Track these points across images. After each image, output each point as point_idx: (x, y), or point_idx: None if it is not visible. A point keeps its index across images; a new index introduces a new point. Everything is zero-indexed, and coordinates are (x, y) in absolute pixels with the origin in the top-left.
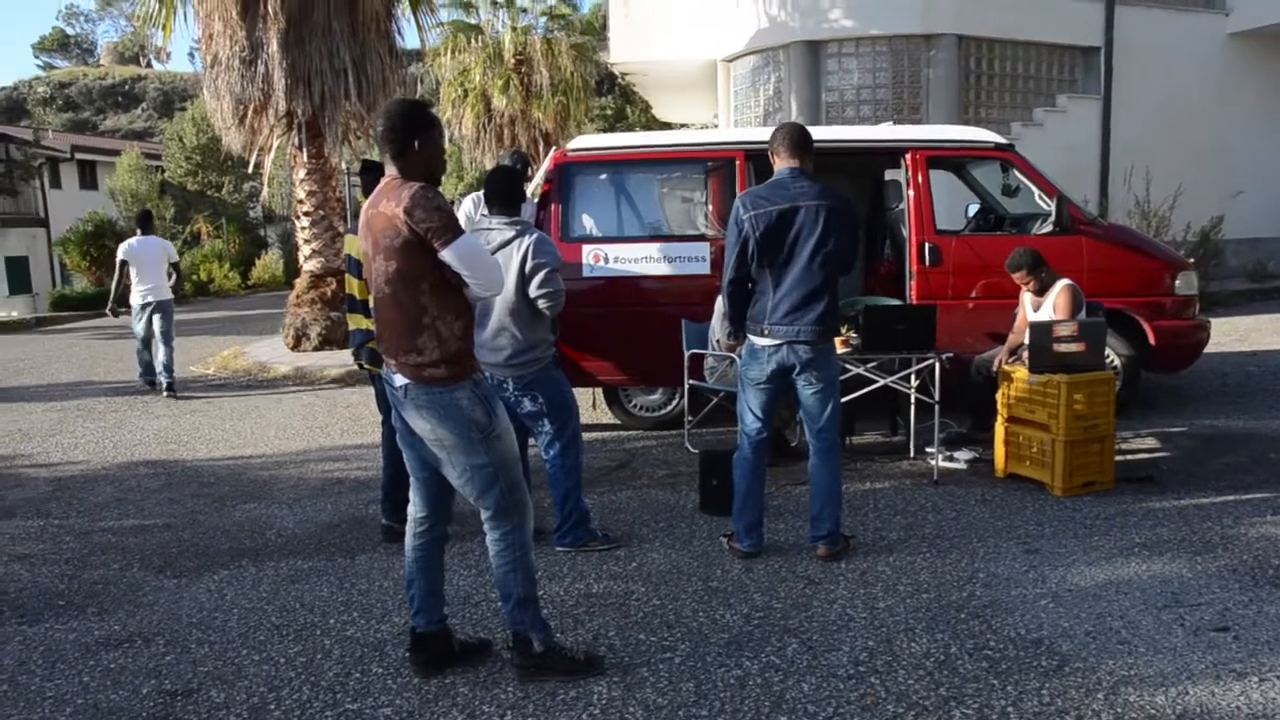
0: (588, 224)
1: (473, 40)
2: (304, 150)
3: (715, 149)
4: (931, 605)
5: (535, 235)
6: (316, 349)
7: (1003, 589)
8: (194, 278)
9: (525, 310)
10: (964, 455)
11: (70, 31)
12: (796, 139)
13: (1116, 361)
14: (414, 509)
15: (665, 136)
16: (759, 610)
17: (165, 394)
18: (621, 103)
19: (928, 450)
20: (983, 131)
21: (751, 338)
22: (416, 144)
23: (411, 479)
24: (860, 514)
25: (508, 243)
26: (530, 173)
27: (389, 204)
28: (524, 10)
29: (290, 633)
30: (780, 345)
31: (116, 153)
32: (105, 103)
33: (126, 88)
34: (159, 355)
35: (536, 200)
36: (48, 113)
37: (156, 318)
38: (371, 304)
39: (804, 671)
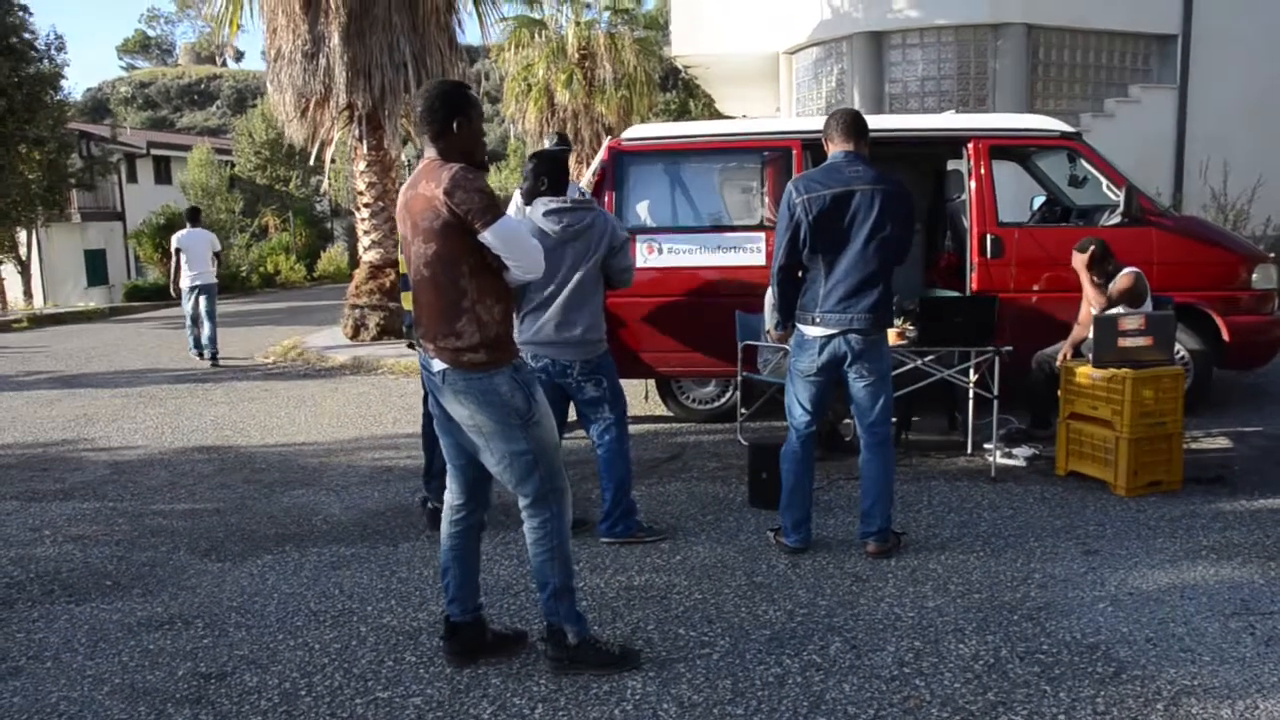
0: (642, 215)
1: (536, 35)
2: (364, 142)
3: (772, 138)
4: (983, 606)
5: (607, 213)
6: (375, 339)
7: (1059, 590)
8: (261, 270)
9: (597, 290)
10: (1023, 452)
11: (151, 33)
12: (851, 123)
13: (1187, 358)
14: (450, 496)
15: (721, 126)
16: (803, 607)
17: (210, 363)
18: (685, 97)
19: (985, 447)
20: (1048, 120)
21: (801, 327)
22: (455, 126)
23: (448, 466)
24: (913, 510)
25: (583, 221)
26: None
27: (428, 185)
28: (587, 5)
29: (328, 619)
30: (832, 335)
31: (190, 148)
32: (182, 101)
33: (202, 86)
34: (204, 330)
35: (590, 192)
36: (128, 111)
37: (203, 299)
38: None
39: (846, 671)
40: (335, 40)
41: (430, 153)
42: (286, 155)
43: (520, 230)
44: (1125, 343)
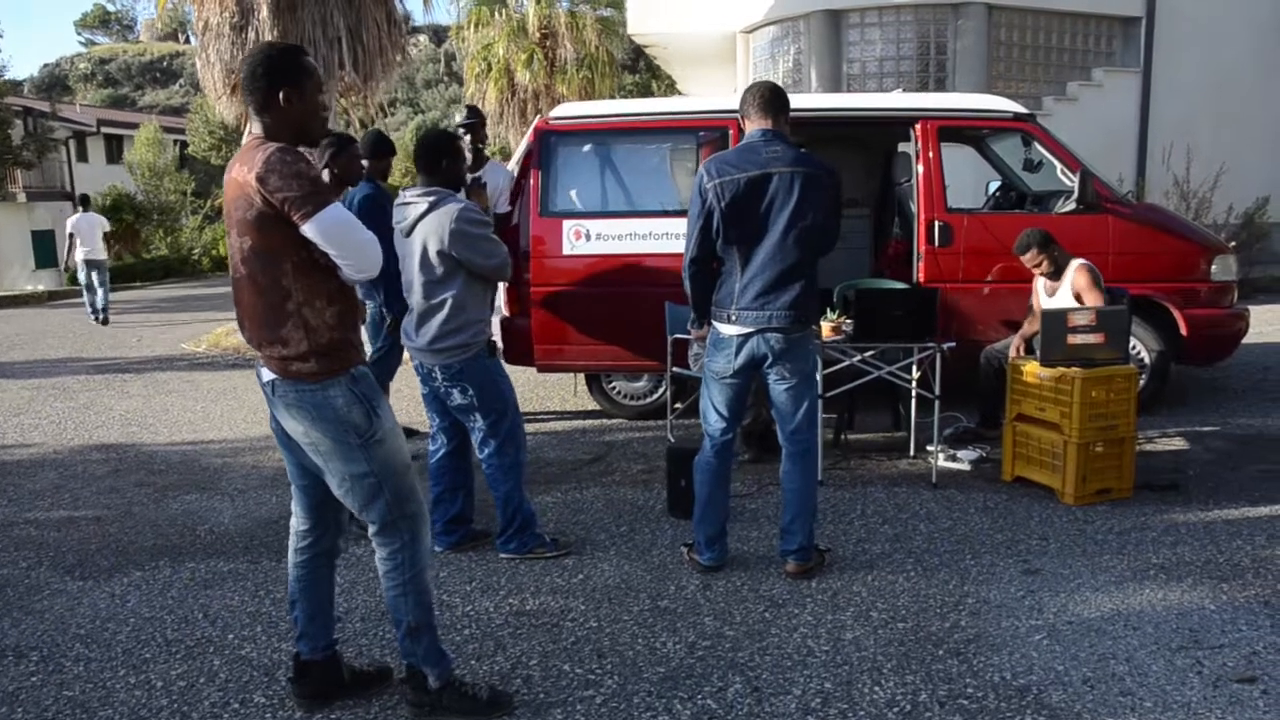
0: (570, 198)
1: (497, 13)
2: None
3: (707, 117)
4: (906, 637)
5: (458, 202)
6: None
7: (992, 619)
8: (214, 253)
9: (450, 288)
10: (968, 455)
11: (111, 8)
12: (769, 97)
13: (1143, 354)
14: (295, 520)
15: (654, 104)
16: (706, 638)
17: (101, 324)
18: (648, 78)
19: (929, 449)
20: (1000, 100)
21: (717, 325)
22: (282, 96)
23: (292, 487)
24: (845, 521)
25: (423, 215)
26: (483, 134)
27: (241, 169)
28: None
29: (180, 650)
30: (749, 334)
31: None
32: (144, 79)
33: (165, 64)
34: (97, 297)
35: (515, 172)
36: (88, 88)
37: (94, 272)
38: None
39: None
40: (264, 13)
41: (255, 129)
42: (241, 136)
43: (348, 222)
44: (1075, 340)
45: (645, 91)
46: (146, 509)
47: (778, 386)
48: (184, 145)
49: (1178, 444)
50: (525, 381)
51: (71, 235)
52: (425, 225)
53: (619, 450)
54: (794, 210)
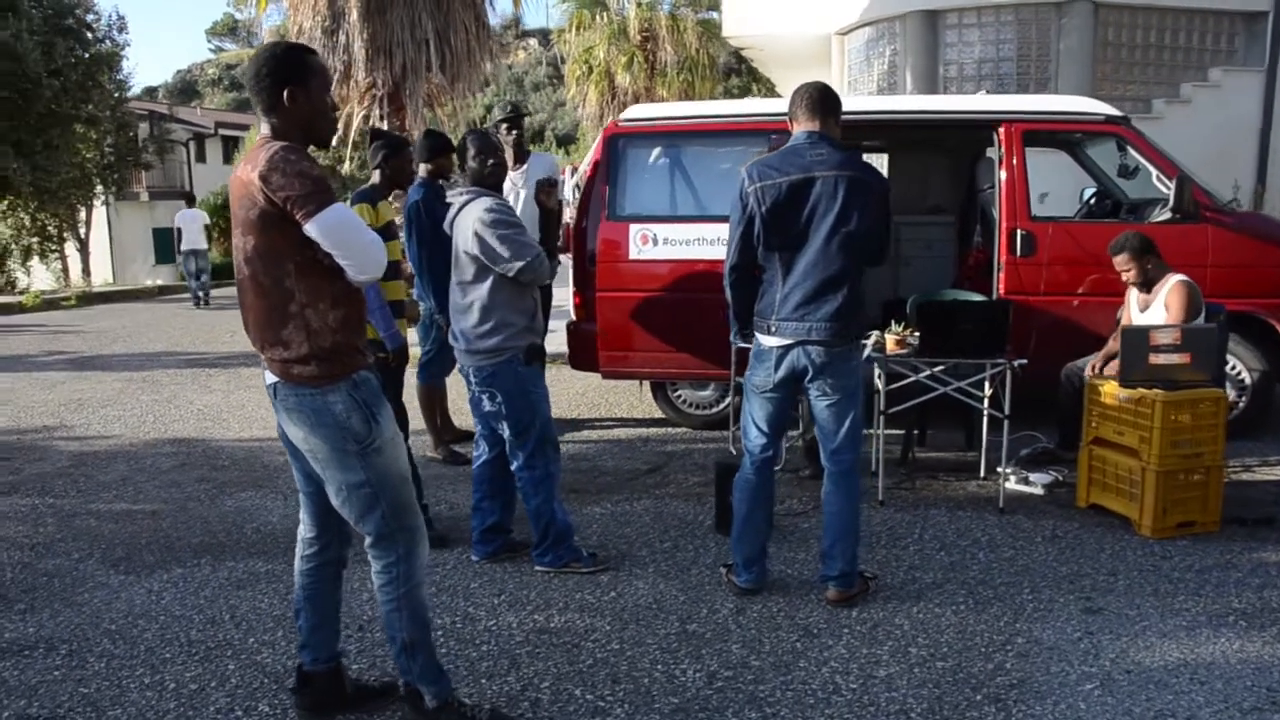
0: (639, 201)
1: (598, 16)
2: (386, 122)
3: (780, 119)
4: (943, 678)
5: (485, 200)
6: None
7: (1041, 662)
8: None
9: (479, 289)
10: (1041, 479)
11: (239, 16)
12: (819, 98)
13: (1244, 374)
14: (302, 528)
15: (726, 106)
16: (730, 667)
17: (204, 305)
18: (749, 81)
19: (999, 471)
20: (1091, 102)
21: (758, 335)
22: (287, 96)
23: (300, 494)
24: (900, 545)
25: (456, 214)
26: (512, 135)
27: (246, 167)
28: None
29: (200, 652)
30: (789, 346)
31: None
32: None
33: None
34: (199, 283)
35: (581, 179)
36: (215, 93)
37: (194, 259)
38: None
39: None
40: (354, 16)
41: (263, 130)
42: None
43: (352, 221)
44: (1157, 359)
45: (745, 94)
46: (201, 505)
47: (819, 403)
48: None
49: (1279, 474)
50: (592, 388)
51: (179, 229)
52: (458, 225)
53: (678, 461)
54: (838, 216)
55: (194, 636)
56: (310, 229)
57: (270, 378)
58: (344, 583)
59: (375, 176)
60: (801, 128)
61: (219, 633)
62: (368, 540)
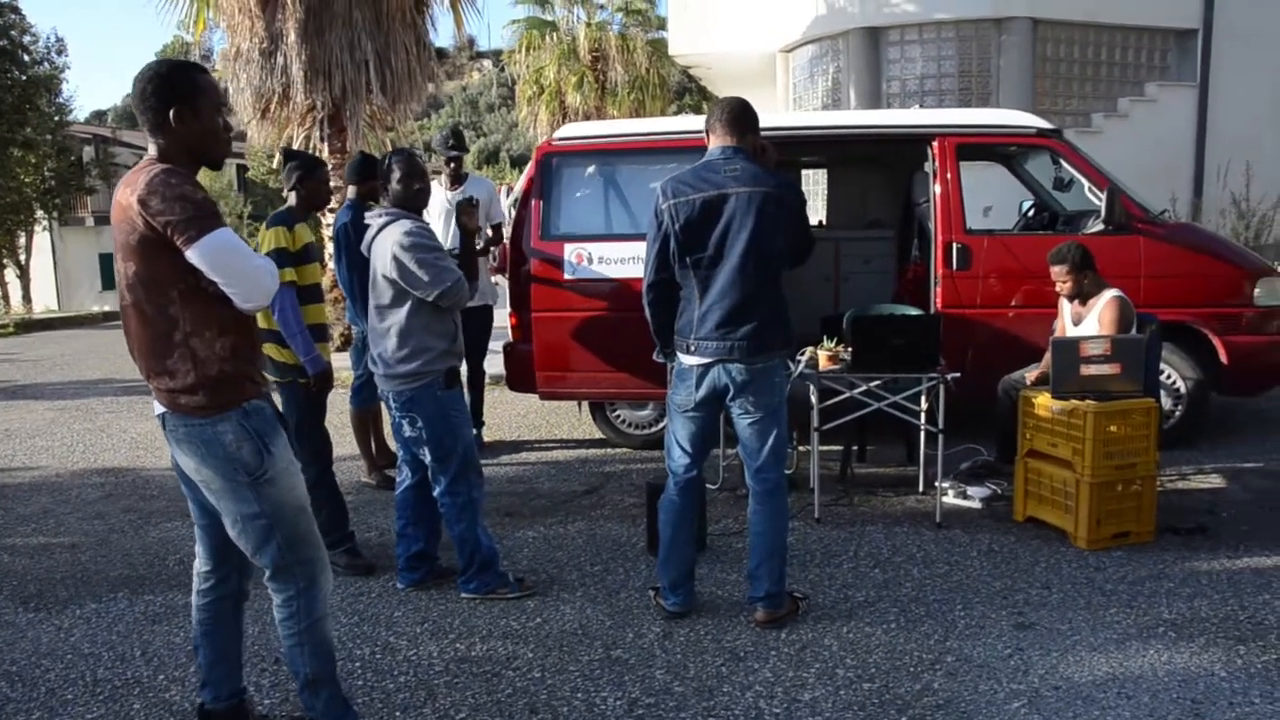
0: (574, 220)
1: (548, 37)
2: (327, 144)
3: None
4: (869, 700)
5: (403, 223)
6: (339, 350)
7: (969, 681)
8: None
9: (397, 312)
10: (979, 493)
11: (188, 39)
12: (736, 113)
13: (1178, 383)
14: (198, 562)
15: (659, 123)
16: (652, 694)
17: None
18: (699, 99)
19: (937, 485)
20: (1023, 115)
21: (679, 354)
22: (173, 116)
23: (195, 526)
24: (834, 564)
25: (374, 237)
26: (451, 166)
27: (125, 191)
28: (600, 6)
29: (104, 692)
30: (710, 364)
31: None
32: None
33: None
34: None
35: (516, 199)
36: None
37: None
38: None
39: None
40: (292, 38)
41: (150, 151)
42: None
43: (237, 248)
44: (1088, 370)
45: (697, 113)
46: (124, 537)
47: (742, 421)
48: (243, 169)
49: (1214, 481)
50: (533, 409)
51: None
52: (376, 247)
53: (615, 482)
54: (752, 233)
55: (100, 675)
56: (192, 255)
57: (159, 408)
58: (258, 615)
59: (291, 198)
60: (717, 142)
61: (128, 670)
62: (266, 574)
